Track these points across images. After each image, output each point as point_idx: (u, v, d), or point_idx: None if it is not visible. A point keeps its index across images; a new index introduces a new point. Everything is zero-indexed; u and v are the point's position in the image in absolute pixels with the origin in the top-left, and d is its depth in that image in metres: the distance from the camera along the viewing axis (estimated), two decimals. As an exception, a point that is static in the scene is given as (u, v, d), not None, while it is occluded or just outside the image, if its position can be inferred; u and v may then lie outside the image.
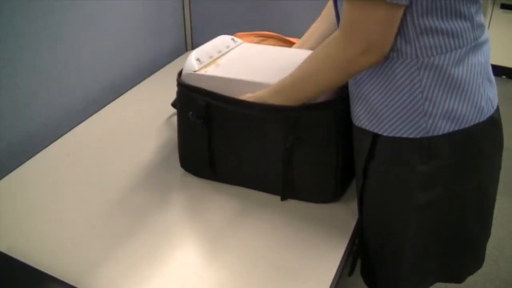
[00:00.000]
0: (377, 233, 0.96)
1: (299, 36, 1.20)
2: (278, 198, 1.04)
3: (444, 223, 0.89)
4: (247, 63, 1.07)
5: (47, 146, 1.24)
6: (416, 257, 0.93)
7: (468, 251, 0.95)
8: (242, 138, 1.01)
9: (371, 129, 0.87)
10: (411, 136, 0.82)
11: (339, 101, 0.95)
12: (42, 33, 1.19)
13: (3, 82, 1.12)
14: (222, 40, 1.15)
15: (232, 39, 1.17)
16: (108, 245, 0.94)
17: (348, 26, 0.78)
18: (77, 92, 1.35)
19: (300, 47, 1.15)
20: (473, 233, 0.94)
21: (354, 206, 1.03)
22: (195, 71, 1.02)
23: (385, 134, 0.85)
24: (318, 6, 1.54)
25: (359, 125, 0.90)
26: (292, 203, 1.04)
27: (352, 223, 0.99)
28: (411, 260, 0.93)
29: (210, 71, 1.03)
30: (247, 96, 0.97)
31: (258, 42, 1.20)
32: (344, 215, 1.01)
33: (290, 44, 1.20)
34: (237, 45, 1.17)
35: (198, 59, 1.05)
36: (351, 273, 1.03)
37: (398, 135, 0.84)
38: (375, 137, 0.87)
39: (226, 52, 1.12)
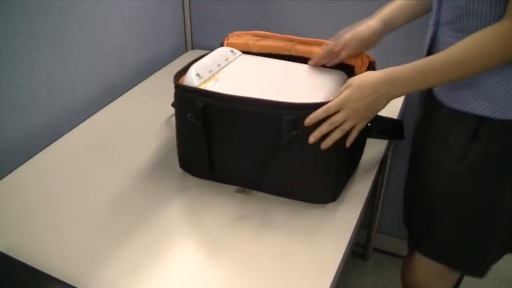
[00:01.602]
0: (469, 211, 1.01)
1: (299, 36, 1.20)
2: (277, 198, 1.04)
3: None
4: (245, 78, 1.08)
5: (47, 146, 1.24)
6: (504, 234, 1.01)
7: None
8: (241, 138, 1.01)
9: (479, 113, 0.92)
10: None
11: None
12: (42, 33, 1.19)
13: (3, 82, 1.12)
14: (221, 53, 1.16)
15: (231, 51, 1.18)
16: (108, 245, 0.94)
17: None
18: (77, 92, 1.35)
19: (384, 20, 1.11)
20: None
21: (354, 206, 1.03)
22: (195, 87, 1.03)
23: (499, 117, 0.90)
24: (318, 6, 1.54)
25: (465, 110, 0.93)
26: (291, 203, 1.04)
27: (352, 223, 0.99)
28: (500, 236, 1.01)
29: (210, 86, 1.03)
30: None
31: (254, 42, 1.20)
32: (344, 215, 1.01)
33: (288, 41, 1.19)
34: (236, 57, 1.17)
35: (198, 74, 1.06)
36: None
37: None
38: (481, 120, 0.92)
39: (225, 66, 1.13)
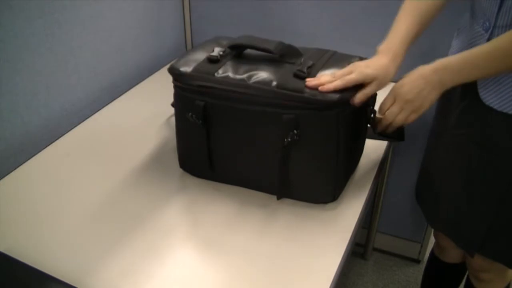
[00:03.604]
0: None
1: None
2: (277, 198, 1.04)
3: None
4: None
5: (47, 146, 1.24)
6: None
7: None
8: (241, 137, 1.01)
9: None
10: None
11: (344, 102, 0.94)
12: (42, 33, 1.19)
13: (3, 82, 1.12)
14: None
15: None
16: (108, 245, 0.94)
17: None
18: (77, 92, 1.35)
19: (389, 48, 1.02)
20: None
21: (354, 206, 1.03)
22: None
23: None
24: (318, 6, 1.54)
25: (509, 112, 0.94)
26: (291, 203, 1.04)
27: (352, 223, 0.99)
28: None
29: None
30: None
31: None
32: (344, 215, 1.01)
33: None
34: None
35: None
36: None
37: None
38: None
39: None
